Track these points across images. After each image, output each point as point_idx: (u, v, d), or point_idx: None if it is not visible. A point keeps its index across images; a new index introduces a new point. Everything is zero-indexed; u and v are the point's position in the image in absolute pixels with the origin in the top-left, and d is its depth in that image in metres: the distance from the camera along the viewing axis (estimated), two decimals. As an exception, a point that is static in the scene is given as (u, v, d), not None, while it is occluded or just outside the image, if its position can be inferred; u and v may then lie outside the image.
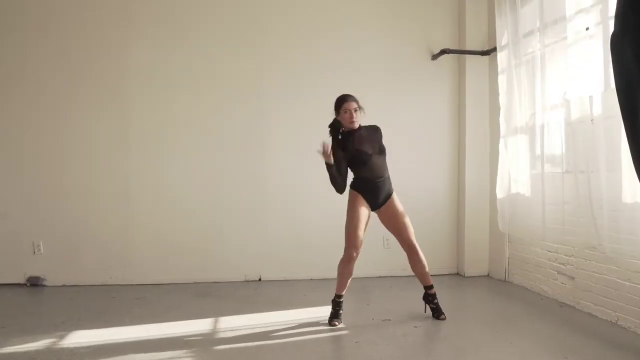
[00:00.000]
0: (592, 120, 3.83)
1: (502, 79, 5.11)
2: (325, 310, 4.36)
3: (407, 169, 5.74)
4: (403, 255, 5.73)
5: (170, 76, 5.55)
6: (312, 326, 4.01)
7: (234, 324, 4.07)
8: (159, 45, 5.55)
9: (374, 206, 4.11)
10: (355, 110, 3.99)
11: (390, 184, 4.12)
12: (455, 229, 5.98)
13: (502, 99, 5.09)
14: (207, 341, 3.70)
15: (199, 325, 4.02)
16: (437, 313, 4.18)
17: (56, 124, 5.43)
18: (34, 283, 5.36)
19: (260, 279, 5.64)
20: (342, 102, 4.02)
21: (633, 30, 2.86)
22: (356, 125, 4.02)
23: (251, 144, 5.67)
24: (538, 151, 4.69)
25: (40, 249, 5.42)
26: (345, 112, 3.99)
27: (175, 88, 5.56)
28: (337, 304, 4.09)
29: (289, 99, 5.72)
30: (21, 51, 5.41)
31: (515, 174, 4.91)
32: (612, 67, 2.92)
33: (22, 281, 5.39)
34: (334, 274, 5.52)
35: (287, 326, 4.02)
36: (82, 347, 3.51)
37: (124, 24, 5.50)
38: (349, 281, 4.12)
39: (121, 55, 5.50)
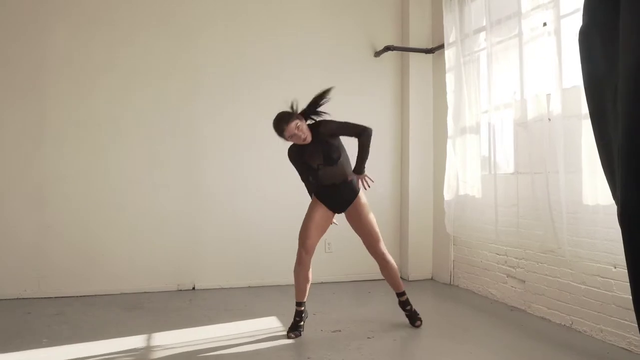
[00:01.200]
0: (549, 119, 3.72)
1: (449, 77, 4.96)
2: (270, 322, 4.09)
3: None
4: (345, 259, 5.57)
5: (92, 66, 5.02)
6: (257, 341, 3.66)
7: (168, 340, 3.65)
8: (79, 28, 5.00)
9: (336, 209, 3.84)
10: (298, 128, 3.59)
11: (351, 188, 3.81)
12: (398, 232, 5.80)
13: (450, 98, 4.95)
14: (140, 363, 3.28)
15: (129, 344, 3.57)
16: (412, 320, 3.98)
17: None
18: None
19: (194, 288, 5.22)
20: (280, 132, 3.63)
21: (603, 24, 2.65)
22: (309, 139, 3.67)
23: (183, 143, 5.23)
24: (490, 152, 4.59)
25: (-62, 260, 4.76)
26: (291, 137, 3.62)
27: (98, 79, 5.03)
28: (296, 314, 3.79)
29: (226, 99, 5.33)
30: None
31: (464, 175, 4.78)
32: (580, 63, 2.68)
33: None
34: (274, 280, 5.26)
35: (229, 342, 3.65)
36: (-8, 377, 3.02)
37: (39, 3, 4.92)
38: (307, 287, 3.80)
39: (36, 39, 4.90)
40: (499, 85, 4.39)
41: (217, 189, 5.30)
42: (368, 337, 3.72)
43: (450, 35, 4.97)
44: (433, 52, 5.57)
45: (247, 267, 5.32)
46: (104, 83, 5.04)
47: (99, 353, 3.40)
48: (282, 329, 3.91)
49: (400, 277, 5.65)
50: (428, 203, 5.67)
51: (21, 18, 4.88)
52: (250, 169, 5.37)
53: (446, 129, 5.12)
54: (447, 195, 4.96)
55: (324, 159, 3.68)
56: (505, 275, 4.58)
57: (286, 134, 3.59)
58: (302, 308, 3.80)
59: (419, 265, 5.67)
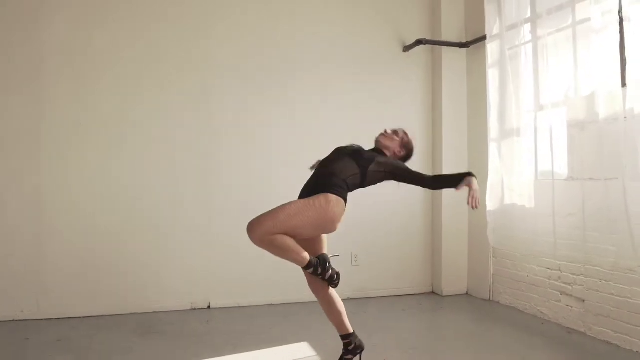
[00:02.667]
0: (625, 117, 3.25)
1: (492, 74, 4.48)
2: (303, 349, 3.60)
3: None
4: (373, 273, 5.10)
5: (94, 63, 4.52)
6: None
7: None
8: (80, 19, 4.50)
9: None
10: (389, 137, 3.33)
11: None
12: (430, 242, 5.31)
13: (493, 97, 4.47)
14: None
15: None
16: None
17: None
18: None
19: (209, 307, 4.72)
20: None
21: None
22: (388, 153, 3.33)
23: (196, 148, 4.72)
24: (535, 155, 4.12)
25: None
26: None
27: (101, 77, 4.53)
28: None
29: (242, 99, 4.84)
30: None
31: (510, 183, 4.30)
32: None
33: None
34: (296, 297, 4.77)
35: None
36: None
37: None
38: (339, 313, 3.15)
39: (33, 30, 4.40)
40: (552, 81, 3.93)
41: (232, 201, 4.79)
42: (419, 368, 3.24)
43: (494, 27, 4.50)
44: (468, 47, 5.10)
45: (268, 283, 4.83)
46: (108, 81, 4.55)
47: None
48: (317, 358, 3.43)
49: (433, 292, 5.25)
50: (463, 213, 5.18)
51: (19, 13, 4.38)
52: (266, 178, 4.88)
53: (485, 131, 4.66)
54: (490, 204, 4.47)
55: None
56: (558, 293, 4.11)
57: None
58: (349, 340, 3.15)
59: (453, 280, 5.18)
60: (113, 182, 4.55)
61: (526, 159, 4.16)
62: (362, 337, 3.27)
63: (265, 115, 4.89)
